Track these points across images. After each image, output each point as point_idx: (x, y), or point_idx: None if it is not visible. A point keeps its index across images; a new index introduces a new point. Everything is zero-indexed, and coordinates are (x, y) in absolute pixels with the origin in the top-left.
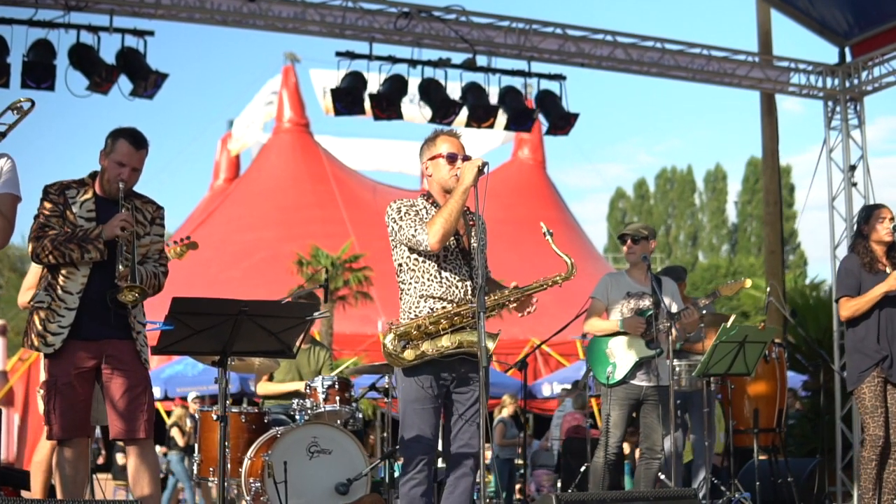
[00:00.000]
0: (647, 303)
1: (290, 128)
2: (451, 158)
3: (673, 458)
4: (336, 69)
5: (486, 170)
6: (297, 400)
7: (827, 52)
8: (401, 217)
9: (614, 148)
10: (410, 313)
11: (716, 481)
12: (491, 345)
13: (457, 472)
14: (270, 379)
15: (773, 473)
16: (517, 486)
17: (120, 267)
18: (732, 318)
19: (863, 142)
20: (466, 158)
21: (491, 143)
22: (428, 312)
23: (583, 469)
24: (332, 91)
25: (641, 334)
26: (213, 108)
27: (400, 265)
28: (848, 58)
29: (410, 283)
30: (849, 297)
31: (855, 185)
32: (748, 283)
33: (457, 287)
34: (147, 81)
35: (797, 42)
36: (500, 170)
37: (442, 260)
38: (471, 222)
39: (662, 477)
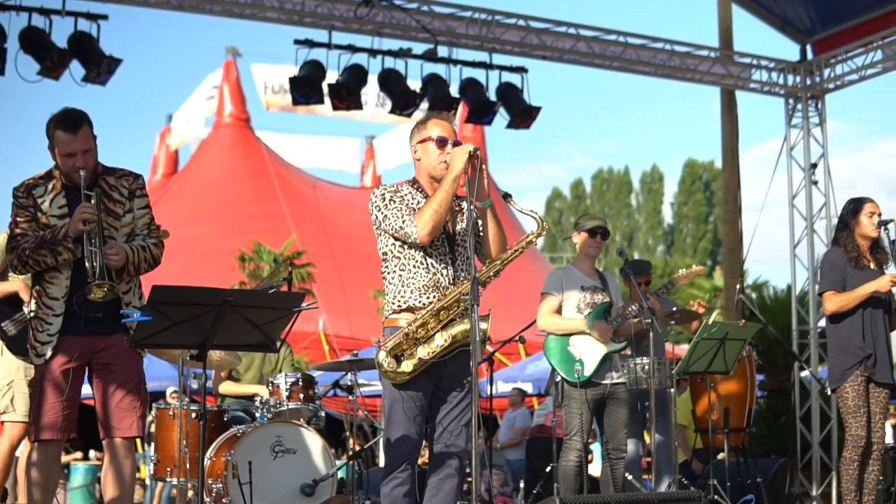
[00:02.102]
0: (600, 297)
1: (231, 122)
2: (441, 142)
3: (659, 457)
4: (277, 64)
5: (477, 154)
6: (259, 397)
7: (787, 50)
8: (386, 205)
9: (551, 148)
10: (395, 303)
11: (685, 482)
12: (484, 325)
13: (440, 473)
14: (230, 376)
15: (741, 474)
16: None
17: (86, 264)
18: (716, 313)
19: (823, 140)
20: (457, 144)
21: None
22: (412, 317)
23: (548, 469)
24: (291, 80)
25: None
26: (151, 102)
27: (385, 254)
28: (809, 55)
29: (395, 272)
30: (834, 292)
31: (815, 183)
32: (702, 269)
33: (442, 274)
34: (100, 67)
35: (758, 38)
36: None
37: (428, 246)
38: (456, 207)
39: (630, 477)
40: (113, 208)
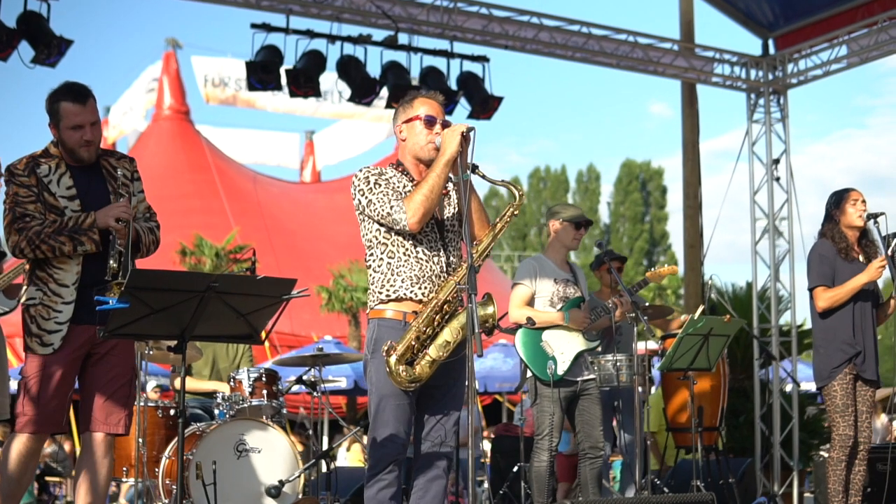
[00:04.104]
0: (572, 290)
1: (170, 115)
2: (430, 122)
3: (631, 458)
4: (218, 57)
5: (472, 136)
6: (221, 393)
7: (748, 44)
8: (370, 189)
9: (486, 146)
10: (382, 293)
11: (658, 482)
12: (491, 309)
13: (428, 474)
14: (188, 373)
15: (711, 474)
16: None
17: (111, 262)
18: (700, 308)
19: (786, 136)
20: (446, 124)
21: (376, 138)
22: (401, 308)
23: (515, 469)
24: (247, 65)
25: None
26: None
27: (369, 241)
28: (771, 50)
29: (382, 259)
30: (825, 287)
31: (777, 179)
32: (675, 268)
33: (433, 262)
34: (50, 48)
35: (719, 32)
36: (382, 164)
37: (416, 235)
38: (443, 191)
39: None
40: (120, 191)
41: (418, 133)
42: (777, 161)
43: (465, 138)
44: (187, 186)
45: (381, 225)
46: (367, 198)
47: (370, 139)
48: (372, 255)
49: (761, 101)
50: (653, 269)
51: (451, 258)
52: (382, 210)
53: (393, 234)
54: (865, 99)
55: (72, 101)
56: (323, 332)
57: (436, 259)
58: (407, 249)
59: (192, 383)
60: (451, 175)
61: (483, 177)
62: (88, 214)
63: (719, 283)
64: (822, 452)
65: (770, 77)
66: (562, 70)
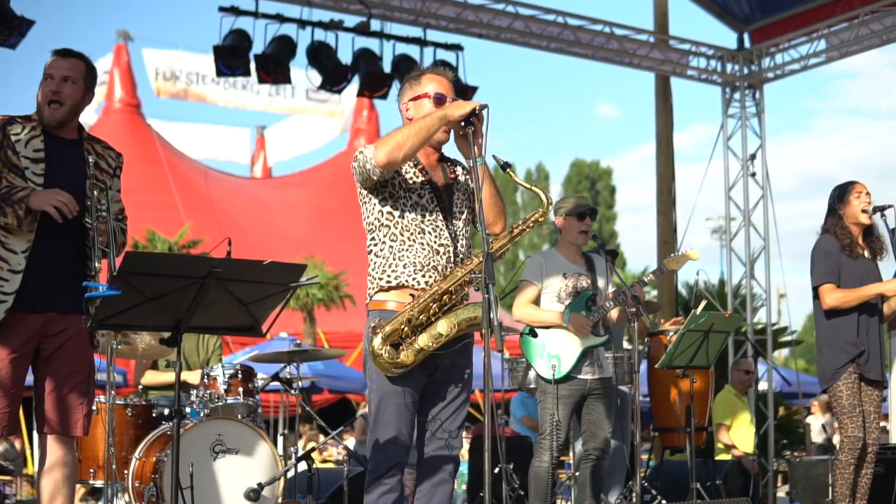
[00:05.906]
0: (584, 283)
1: (121, 108)
2: (439, 100)
3: (615, 463)
4: (169, 50)
5: (485, 114)
6: (194, 391)
7: (723, 37)
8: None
9: None
10: (383, 280)
11: (646, 484)
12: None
13: (433, 479)
14: (154, 367)
15: (698, 475)
16: None
17: (95, 263)
18: (704, 303)
19: (761, 131)
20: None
21: (329, 134)
22: (403, 297)
23: (496, 471)
24: (215, 49)
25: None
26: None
27: (371, 223)
28: (747, 43)
29: (385, 243)
30: (833, 286)
31: (753, 174)
32: (697, 254)
33: (439, 252)
34: (11, 29)
35: (694, 25)
36: (336, 159)
37: (422, 220)
38: (451, 175)
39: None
40: (101, 178)
41: (426, 112)
42: (753, 156)
43: (477, 116)
44: (138, 180)
45: (383, 203)
46: (359, 163)
47: (323, 135)
48: (373, 238)
49: (736, 96)
50: (673, 255)
51: (459, 248)
52: (362, 159)
53: (396, 216)
54: (813, 102)
55: (56, 54)
56: (277, 329)
57: (442, 249)
58: (412, 234)
59: (159, 376)
60: (462, 160)
61: (513, 178)
62: (24, 188)
63: (704, 280)
64: (796, 454)
65: (746, 71)
66: (511, 68)
